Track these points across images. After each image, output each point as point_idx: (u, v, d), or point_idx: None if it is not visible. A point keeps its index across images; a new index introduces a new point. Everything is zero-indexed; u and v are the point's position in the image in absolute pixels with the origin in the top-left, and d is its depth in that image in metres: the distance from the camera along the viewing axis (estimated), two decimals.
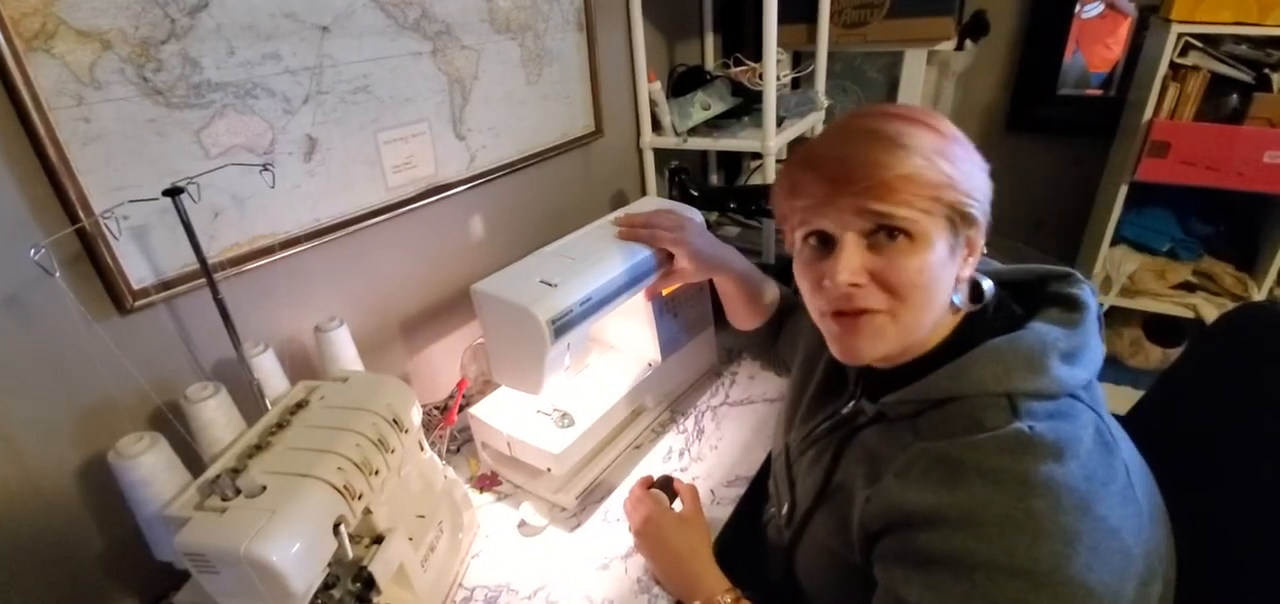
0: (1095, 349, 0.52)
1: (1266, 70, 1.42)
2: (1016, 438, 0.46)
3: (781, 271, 1.21)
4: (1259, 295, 1.59)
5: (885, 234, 0.51)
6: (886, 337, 0.54)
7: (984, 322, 0.56)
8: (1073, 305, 0.55)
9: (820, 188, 0.52)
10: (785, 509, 0.68)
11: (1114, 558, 0.43)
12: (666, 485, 0.80)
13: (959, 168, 0.50)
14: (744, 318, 0.93)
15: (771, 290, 0.93)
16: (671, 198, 1.01)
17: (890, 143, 0.50)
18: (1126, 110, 1.71)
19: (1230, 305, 1.60)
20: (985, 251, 0.55)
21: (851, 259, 0.51)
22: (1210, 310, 1.63)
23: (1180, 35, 1.42)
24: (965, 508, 0.45)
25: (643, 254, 0.88)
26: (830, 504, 0.61)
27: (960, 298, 0.55)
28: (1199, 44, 1.43)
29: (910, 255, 0.50)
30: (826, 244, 0.54)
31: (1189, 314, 1.65)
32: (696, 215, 0.94)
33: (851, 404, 0.62)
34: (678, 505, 0.79)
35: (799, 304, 0.98)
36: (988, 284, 0.56)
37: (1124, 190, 1.60)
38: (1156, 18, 1.57)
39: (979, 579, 0.44)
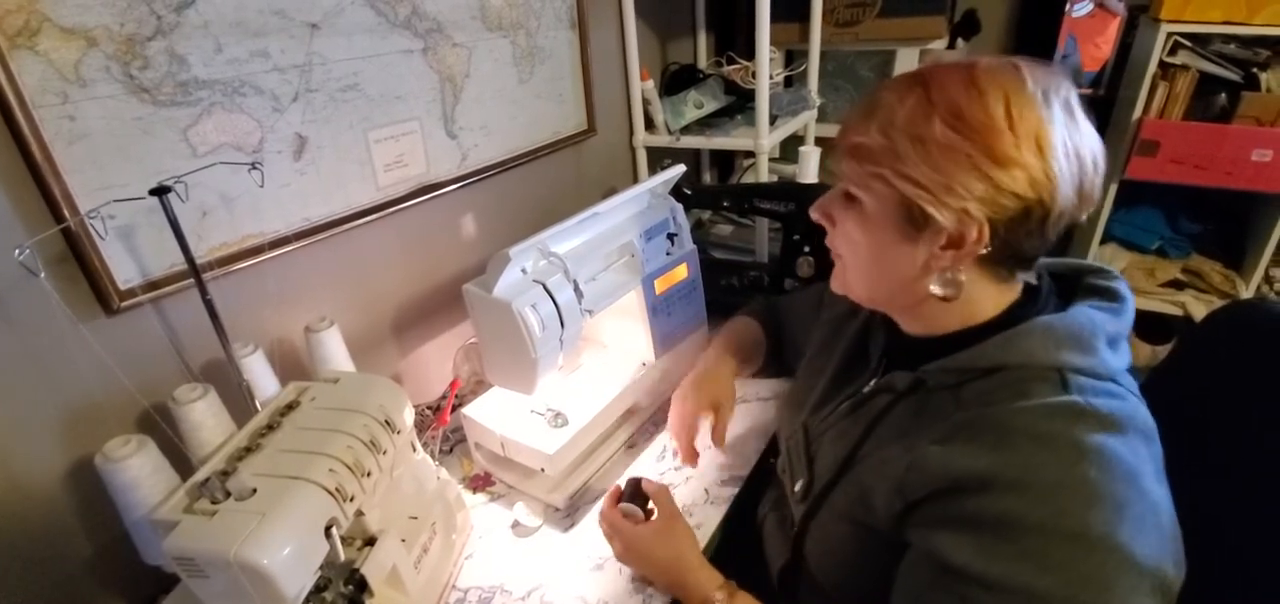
0: (1127, 342, 0.53)
1: (1255, 69, 1.43)
2: (1070, 406, 0.46)
3: (774, 270, 1.22)
4: (1247, 292, 1.61)
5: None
6: (847, 285, 0.60)
7: (1036, 306, 0.56)
8: (1113, 297, 0.55)
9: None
10: (801, 485, 0.66)
11: (1155, 534, 0.44)
12: (636, 491, 0.75)
13: (932, 157, 0.48)
14: (757, 368, 0.95)
15: (751, 329, 0.93)
16: (665, 197, 1.00)
17: (873, 107, 0.52)
18: (1116, 109, 1.73)
19: (1218, 303, 1.62)
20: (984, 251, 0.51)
21: (826, 202, 0.58)
22: (1199, 308, 1.64)
23: (1169, 34, 1.43)
24: (1017, 470, 0.45)
25: (634, 235, 0.89)
26: (853, 475, 0.60)
27: (940, 289, 0.53)
28: (1188, 43, 1.44)
29: (851, 220, 0.55)
30: None
31: (1178, 312, 1.67)
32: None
33: (874, 380, 0.62)
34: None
35: (782, 303, 0.98)
36: (1026, 278, 0.57)
37: (1114, 189, 1.61)
38: (1146, 17, 1.59)
39: (1030, 542, 0.43)
